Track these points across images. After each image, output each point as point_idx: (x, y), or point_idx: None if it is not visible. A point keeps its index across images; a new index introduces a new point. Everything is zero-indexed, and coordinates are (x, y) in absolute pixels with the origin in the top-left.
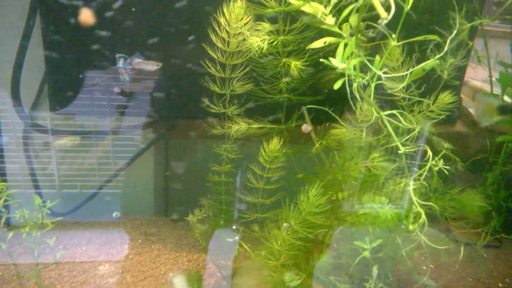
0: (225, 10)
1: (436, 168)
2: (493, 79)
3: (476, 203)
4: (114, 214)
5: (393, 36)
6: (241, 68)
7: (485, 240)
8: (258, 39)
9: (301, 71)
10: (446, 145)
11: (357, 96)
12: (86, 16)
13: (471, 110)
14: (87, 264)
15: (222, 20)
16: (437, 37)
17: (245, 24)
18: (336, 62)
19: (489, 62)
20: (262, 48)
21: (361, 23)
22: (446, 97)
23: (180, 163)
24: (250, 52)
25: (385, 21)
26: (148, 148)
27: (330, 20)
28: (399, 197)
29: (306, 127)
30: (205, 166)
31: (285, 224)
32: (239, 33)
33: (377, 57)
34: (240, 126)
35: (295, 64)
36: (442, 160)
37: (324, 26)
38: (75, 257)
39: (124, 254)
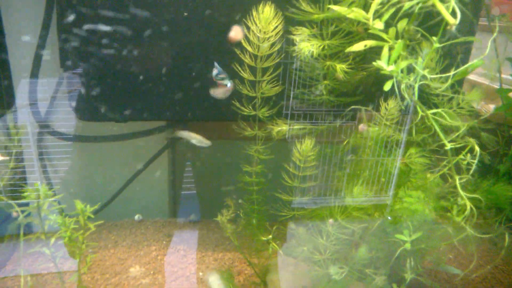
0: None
1: (465, 162)
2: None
3: (510, 193)
4: (136, 217)
5: (435, 38)
6: (272, 70)
7: (499, 229)
8: (309, 44)
9: (345, 73)
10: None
11: (405, 96)
12: (237, 33)
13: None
14: (117, 267)
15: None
16: (476, 39)
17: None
18: (384, 64)
19: (498, 58)
20: (312, 52)
21: (411, 27)
22: (475, 94)
23: (196, 165)
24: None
25: (454, 27)
26: (164, 150)
27: (378, 25)
28: (434, 191)
29: (363, 127)
30: (222, 167)
31: (330, 220)
32: (269, 38)
33: (420, 59)
34: (281, 128)
35: (341, 67)
36: (469, 155)
37: (370, 30)
38: (105, 260)
39: (152, 256)
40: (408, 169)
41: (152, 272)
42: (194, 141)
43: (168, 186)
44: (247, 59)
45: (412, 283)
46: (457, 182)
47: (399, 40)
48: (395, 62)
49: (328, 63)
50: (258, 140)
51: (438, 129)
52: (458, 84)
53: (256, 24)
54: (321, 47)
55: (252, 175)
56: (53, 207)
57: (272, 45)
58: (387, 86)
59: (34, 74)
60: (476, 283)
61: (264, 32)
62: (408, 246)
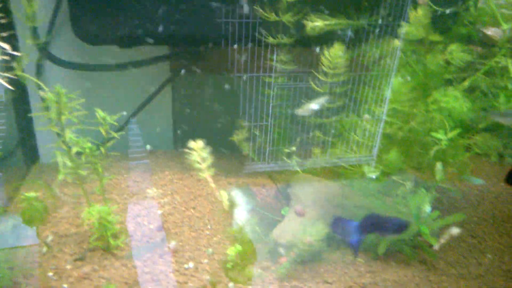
0: None
1: None
2: None
3: None
4: (147, 147)
5: None
6: None
7: None
8: None
9: None
10: None
11: None
12: None
13: None
14: (134, 188)
15: None
16: None
17: None
18: None
19: None
20: None
21: None
22: None
23: (200, 98)
24: None
25: None
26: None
27: None
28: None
29: None
30: (224, 100)
31: (365, 115)
32: None
33: None
34: (316, 23)
35: None
36: None
37: None
38: (120, 183)
39: (167, 179)
40: (445, 67)
41: (170, 193)
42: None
43: (173, 118)
44: None
45: (437, 190)
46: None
47: None
48: None
49: None
50: (280, 50)
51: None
52: None
53: None
54: None
55: (273, 87)
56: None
57: None
58: None
59: None
60: (491, 198)
61: None
62: (445, 144)
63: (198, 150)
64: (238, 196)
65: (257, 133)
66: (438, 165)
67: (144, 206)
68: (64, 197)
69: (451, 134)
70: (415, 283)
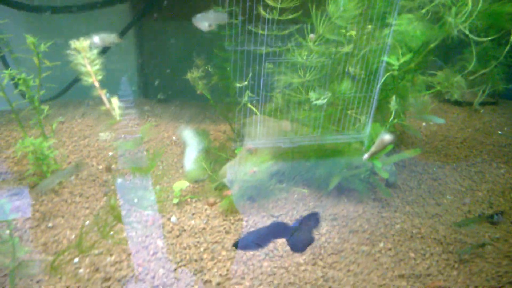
0: None
1: None
2: None
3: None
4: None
5: None
6: None
7: (482, 97)
8: None
9: None
10: None
11: None
12: None
13: None
14: (86, 132)
15: None
16: None
17: None
18: None
19: None
20: None
21: None
22: None
23: (162, 46)
24: None
25: None
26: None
27: None
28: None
29: None
30: (185, 48)
31: (311, 35)
32: None
33: None
34: None
35: None
36: None
37: None
38: (72, 127)
39: (122, 124)
40: None
41: (123, 136)
42: None
43: (136, 66)
44: None
45: (397, 127)
46: None
47: None
48: None
49: None
50: None
51: None
52: None
53: None
54: None
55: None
56: None
57: None
58: None
59: None
60: (457, 143)
61: None
62: (395, 68)
63: (83, 51)
64: (192, 137)
65: (211, 70)
66: (393, 98)
67: (94, 148)
68: (12, 140)
69: (403, 59)
70: (366, 218)
